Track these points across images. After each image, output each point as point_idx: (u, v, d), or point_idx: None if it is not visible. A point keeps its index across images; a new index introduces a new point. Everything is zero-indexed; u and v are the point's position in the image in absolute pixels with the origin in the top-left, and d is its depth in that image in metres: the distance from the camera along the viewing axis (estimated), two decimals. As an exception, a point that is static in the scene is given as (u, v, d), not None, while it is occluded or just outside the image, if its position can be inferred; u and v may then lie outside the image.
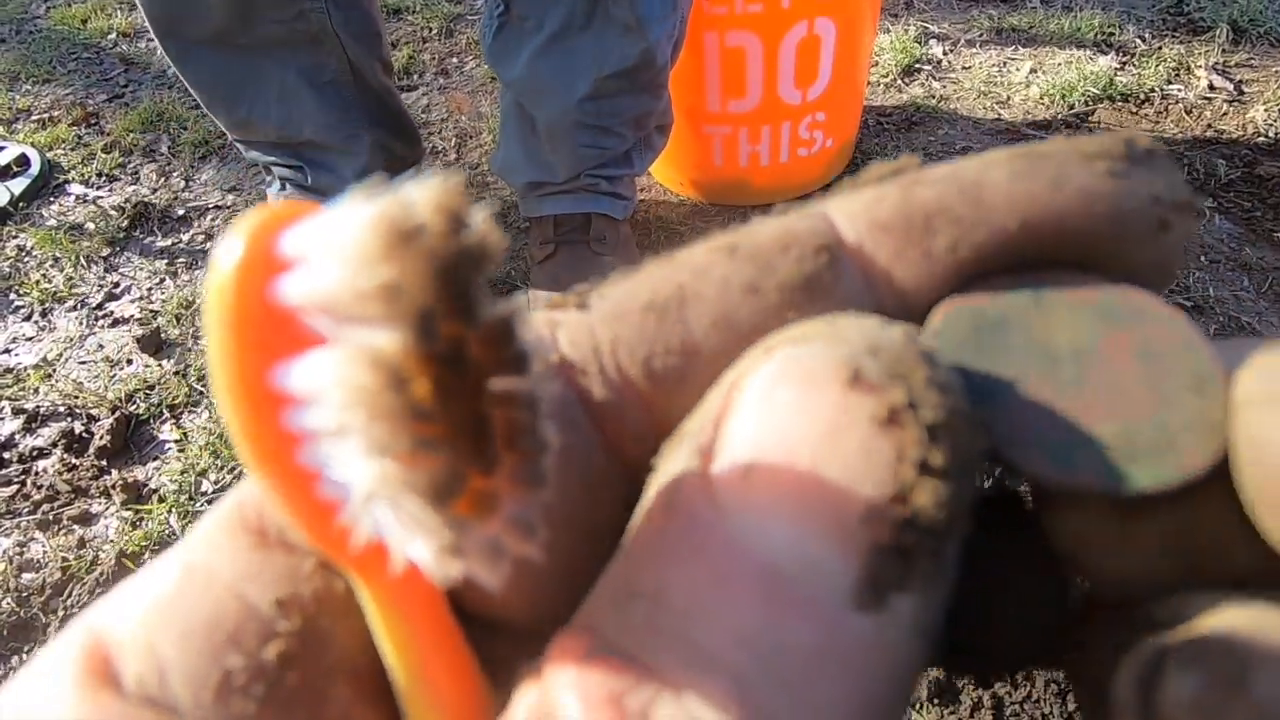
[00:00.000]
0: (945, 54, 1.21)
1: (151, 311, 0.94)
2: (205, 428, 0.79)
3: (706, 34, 0.79)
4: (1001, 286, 0.09)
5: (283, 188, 0.87)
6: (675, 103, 0.88)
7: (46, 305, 0.98)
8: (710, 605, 0.08)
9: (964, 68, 1.18)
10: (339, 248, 0.07)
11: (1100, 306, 0.09)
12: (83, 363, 0.89)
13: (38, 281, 1.01)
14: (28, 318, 0.97)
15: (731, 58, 0.80)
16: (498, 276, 0.92)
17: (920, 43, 1.23)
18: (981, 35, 1.25)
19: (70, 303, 0.98)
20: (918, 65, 1.19)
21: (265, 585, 0.09)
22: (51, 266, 1.04)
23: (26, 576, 0.68)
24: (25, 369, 0.89)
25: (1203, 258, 0.84)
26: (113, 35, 1.60)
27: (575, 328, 0.10)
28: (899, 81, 1.16)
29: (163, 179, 1.19)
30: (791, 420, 0.08)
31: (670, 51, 0.71)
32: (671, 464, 0.09)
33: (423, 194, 0.07)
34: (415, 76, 1.33)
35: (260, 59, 0.76)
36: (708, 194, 0.96)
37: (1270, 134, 0.98)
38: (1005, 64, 1.18)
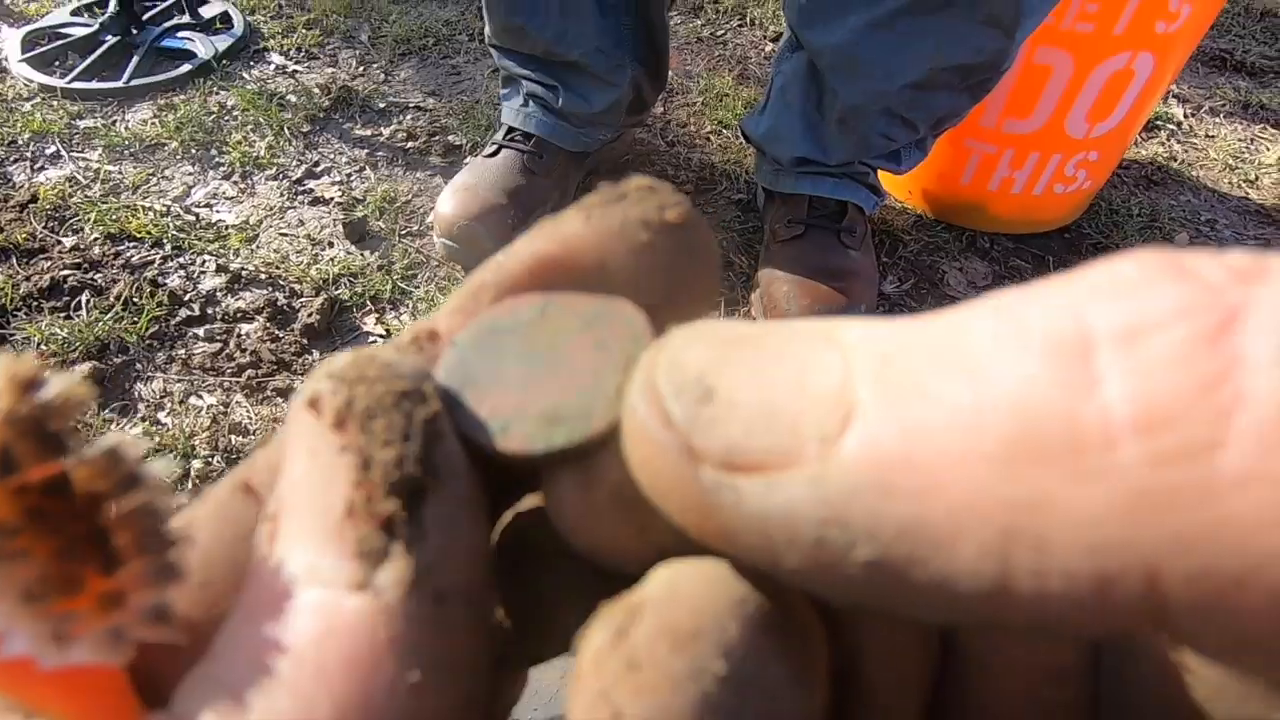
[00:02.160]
0: (1186, 116, 1.14)
1: (354, 199, 0.93)
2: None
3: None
4: (527, 302, 0.11)
5: (526, 103, 0.84)
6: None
7: (247, 169, 0.96)
8: (238, 644, 0.09)
9: (1208, 135, 1.11)
10: None
11: (585, 314, 0.11)
12: (284, 234, 0.88)
13: (238, 143, 1.00)
14: (228, 176, 0.96)
15: (1032, 75, 0.75)
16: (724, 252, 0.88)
17: (1162, 100, 1.16)
18: (1225, 105, 1.17)
19: (271, 171, 0.96)
20: (1158, 122, 1.12)
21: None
22: (253, 131, 1.02)
23: (235, 438, 0.67)
24: (227, 227, 0.88)
25: None
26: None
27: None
28: (1140, 135, 1.09)
29: (362, 68, 1.17)
30: (289, 456, 0.10)
31: (1014, 53, 0.66)
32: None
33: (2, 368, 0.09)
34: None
35: None
36: (936, 209, 0.92)
37: None
38: (1253, 140, 1.10)
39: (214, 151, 0.99)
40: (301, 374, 0.73)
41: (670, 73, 1.19)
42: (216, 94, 1.08)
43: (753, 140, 0.83)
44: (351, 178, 0.97)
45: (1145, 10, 0.69)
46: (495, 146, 0.85)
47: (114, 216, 0.87)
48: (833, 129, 0.72)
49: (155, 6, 1.23)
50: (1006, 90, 0.77)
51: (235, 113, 1.05)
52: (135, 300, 0.77)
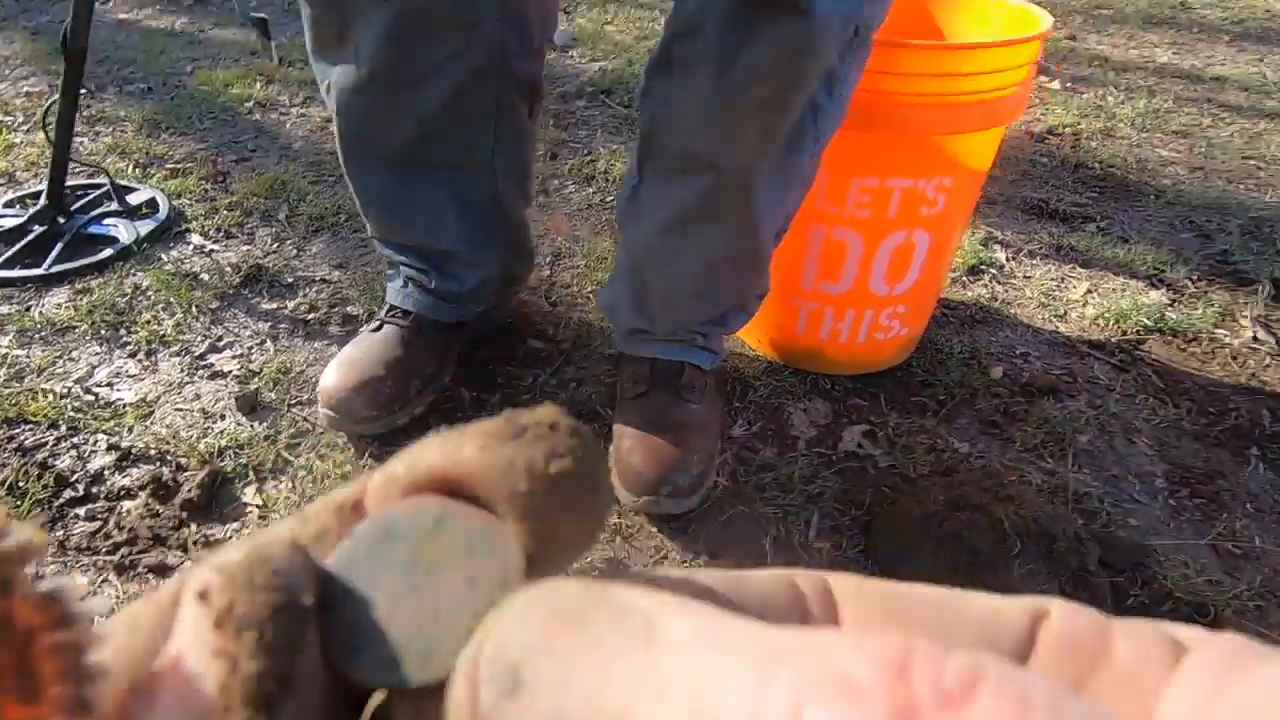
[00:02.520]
0: (1008, 260, 1.31)
1: (251, 371, 1.00)
2: (288, 498, 0.82)
3: (814, 226, 0.88)
4: (428, 507, 0.11)
5: (405, 284, 0.95)
6: (774, 274, 0.96)
7: (153, 346, 1.04)
8: None
9: (1025, 276, 1.28)
10: None
11: (470, 538, 0.11)
12: (179, 409, 0.94)
13: (148, 322, 1.07)
14: (133, 355, 1.03)
15: (833, 249, 0.89)
16: (579, 400, 0.97)
17: (985, 246, 1.34)
18: (1042, 249, 1.35)
19: (175, 348, 1.04)
20: (983, 266, 1.28)
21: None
22: (163, 310, 1.11)
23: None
24: (124, 405, 0.94)
25: (1248, 504, 0.88)
26: (250, 103, 1.77)
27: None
28: (965, 279, 1.25)
29: (276, 244, 1.28)
30: (178, 633, 0.10)
31: (776, 244, 0.79)
32: None
33: None
34: (520, 192, 1.45)
35: (422, 179, 0.86)
36: (783, 356, 1.03)
37: (1311, 394, 1.05)
38: (1064, 280, 1.27)
39: (122, 331, 1.06)
40: (177, 548, 0.77)
41: (560, 237, 1.34)
42: (132, 276, 1.17)
43: (603, 309, 0.94)
44: (252, 351, 1.05)
45: (908, 200, 0.84)
46: (378, 322, 0.94)
47: (13, 401, 0.92)
48: (654, 307, 0.83)
49: (86, 196, 1.34)
50: (817, 259, 0.91)
51: (149, 293, 1.14)
52: (20, 484, 0.81)
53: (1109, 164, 1.68)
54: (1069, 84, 2.14)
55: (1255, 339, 1.15)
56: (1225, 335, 1.15)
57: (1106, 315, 1.17)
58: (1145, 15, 2.83)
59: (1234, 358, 1.11)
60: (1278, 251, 1.38)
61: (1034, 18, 0.84)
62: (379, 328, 0.93)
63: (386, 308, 0.96)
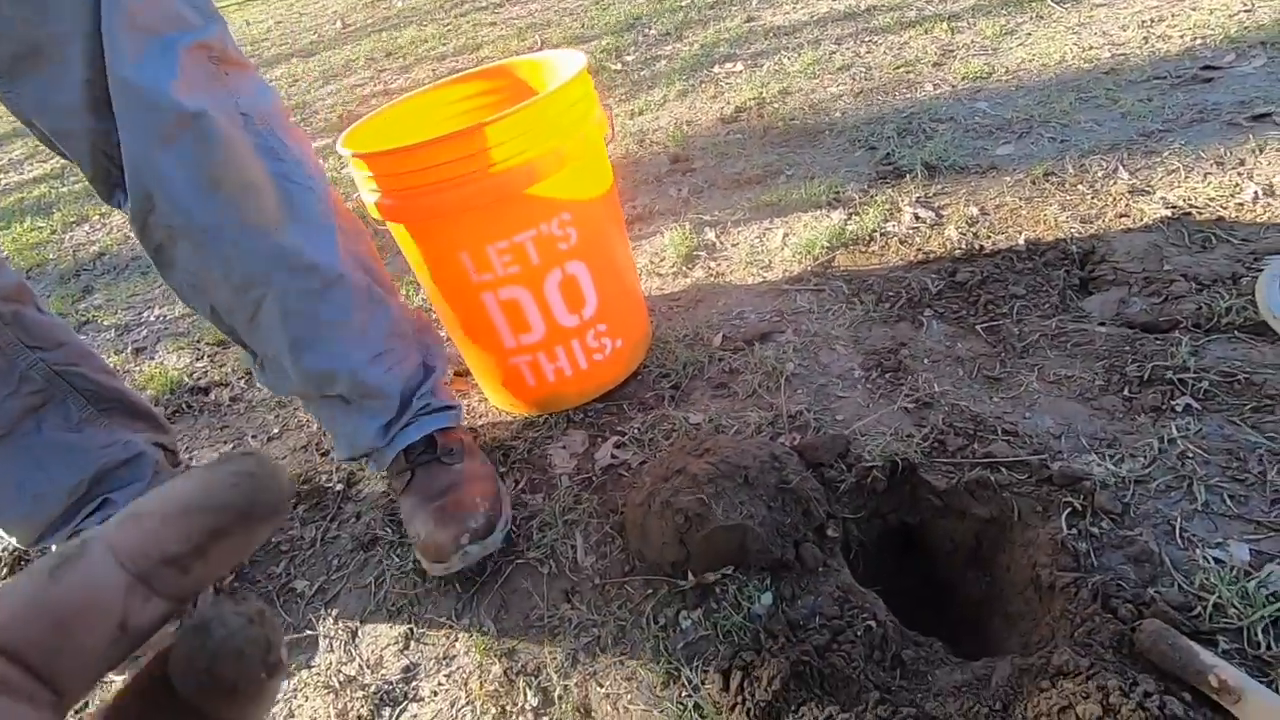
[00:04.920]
0: (717, 237, 1.47)
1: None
2: (88, 758, 0.82)
3: (484, 294, 0.97)
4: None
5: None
6: (478, 349, 1.05)
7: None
8: None
9: (733, 245, 1.43)
10: None
11: None
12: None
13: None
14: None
15: (510, 307, 0.99)
16: (359, 532, 1.02)
17: (696, 233, 1.49)
18: (745, 215, 1.52)
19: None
20: (696, 252, 1.43)
21: None
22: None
23: None
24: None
25: (925, 359, 1.03)
26: None
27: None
28: (683, 269, 1.39)
29: None
30: None
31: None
32: None
33: None
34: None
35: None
36: (535, 407, 1.12)
37: (963, 245, 1.23)
38: (764, 234, 1.43)
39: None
40: None
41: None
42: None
43: (346, 455, 1.00)
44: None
45: (543, 245, 0.95)
46: None
47: None
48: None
49: None
50: (504, 321, 1.00)
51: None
52: None
53: (790, 118, 1.91)
54: (751, 62, 2.41)
55: (916, 218, 1.33)
56: (893, 226, 1.33)
57: (800, 250, 1.33)
58: (805, -22, 3.22)
59: (902, 242, 1.29)
60: (927, 138, 1.61)
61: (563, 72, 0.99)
62: None
63: None
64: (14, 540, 0.91)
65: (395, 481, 0.96)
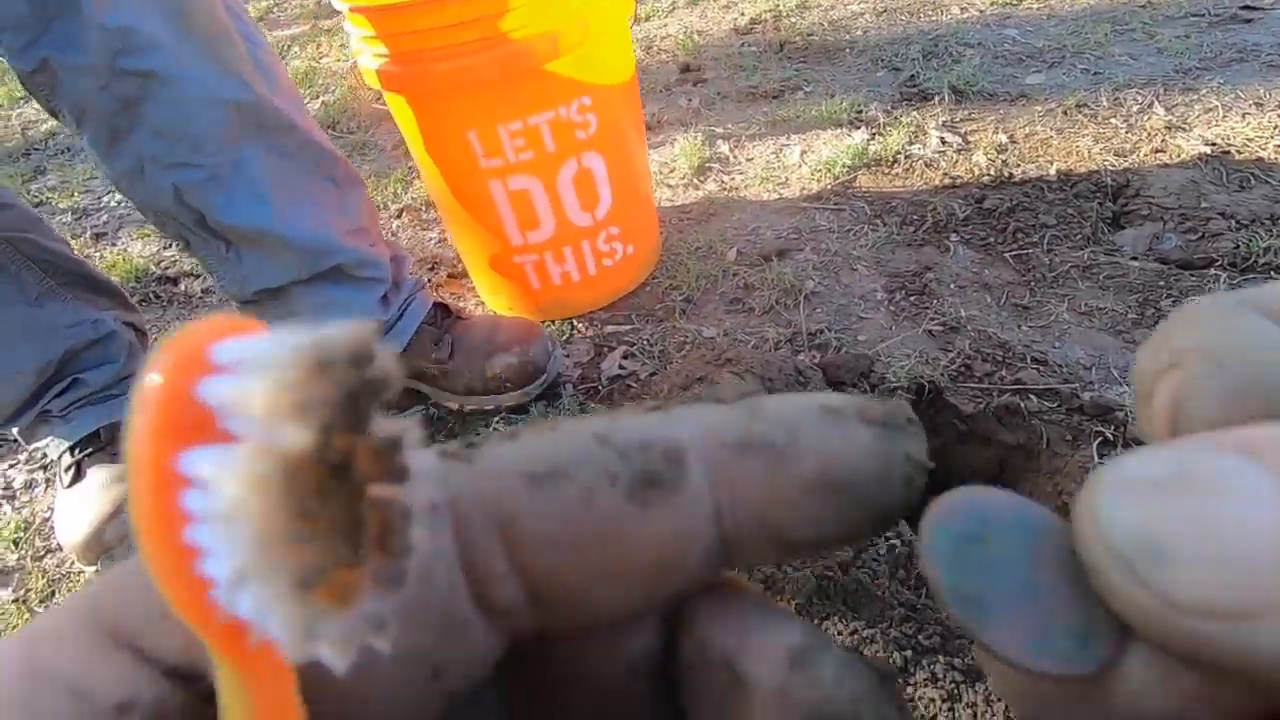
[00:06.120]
0: (731, 150, 1.39)
1: (-8, 540, 0.92)
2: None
3: (492, 182, 0.89)
4: (952, 507, 0.12)
5: (66, 412, 0.88)
6: (480, 245, 0.98)
7: (-123, 557, 0.94)
8: None
9: (747, 159, 1.35)
10: (264, 364, 0.09)
11: (1023, 521, 0.12)
12: (-81, 610, 0.86)
13: None
14: None
15: (519, 198, 0.91)
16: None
17: (709, 144, 1.40)
18: (760, 129, 1.44)
19: (-96, 550, 0.94)
20: (708, 165, 1.35)
21: (108, 688, 0.10)
22: (-118, 516, 1.00)
23: None
24: None
25: (952, 284, 0.98)
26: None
27: (461, 476, 0.11)
28: (694, 181, 1.32)
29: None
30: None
31: None
32: None
33: (341, 333, 0.09)
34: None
35: None
36: (535, 313, 1.05)
37: (991, 172, 1.17)
38: (780, 150, 1.36)
39: None
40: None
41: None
42: None
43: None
44: (-6, 518, 0.96)
45: (559, 130, 0.86)
46: (71, 471, 0.86)
47: None
48: None
49: None
50: (511, 212, 0.93)
51: None
52: None
53: (809, 33, 1.80)
54: (765, -27, 2.26)
55: (942, 142, 1.27)
56: (918, 149, 1.27)
57: (819, 169, 1.26)
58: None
59: (928, 165, 1.23)
60: (954, 62, 1.52)
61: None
62: (77, 475, 0.86)
63: (64, 452, 0.87)
64: None
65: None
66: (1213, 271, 0.92)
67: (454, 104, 0.83)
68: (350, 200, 0.82)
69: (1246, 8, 1.52)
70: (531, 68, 0.80)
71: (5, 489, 0.99)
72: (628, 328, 1.03)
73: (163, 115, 0.67)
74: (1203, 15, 1.51)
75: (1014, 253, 1.02)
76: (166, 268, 1.39)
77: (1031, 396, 0.80)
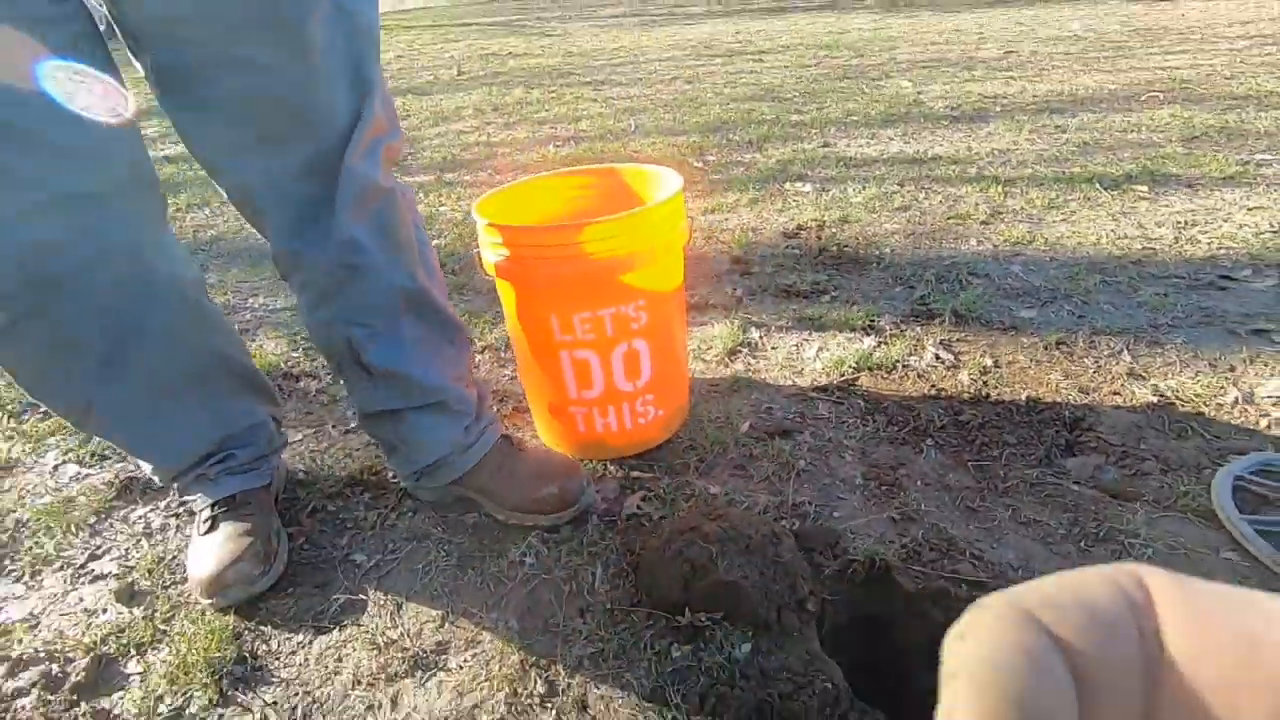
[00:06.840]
0: (760, 338, 1.66)
1: (128, 567, 1.16)
2: (165, 660, 0.98)
3: (561, 352, 1.17)
4: None
5: (215, 479, 1.14)
6: (544, 396, 1.25)
7: (37, 568, 1.19)
8: None
9: (773, 348, 1.62)
10: None
11: None
12: (64, 614, 1.09)
13: (29, 549, 1.23)
14: (19, 579, 1.17)
15: (580, 365, 1.18)
16: (414, 529, 1.19)
17: (744, 330, 1.68)
18: (788, 323, 1.72)
19: (57, 564, 1.19)
20: (739, 348, 1.62)
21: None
22: (44, 534, 1.26)
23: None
24: (13, 623, 1.08)
25: (919, 481, 1.18)
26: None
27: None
28: (725, 359, 1.58)
29: (148, 456, 1.46)
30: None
31: None
32: None
33: None
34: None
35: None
36: (578, 451, 1.30)
37: (972, 390, 1.40)
38: (801, 344, 1.62)
39: (7, 562, 1.21)
40: (68, 726, 0.91)
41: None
42: (14, 512, 1.32)
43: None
44: (129, 551, 1.21)
45: (618, 322, 1.15)
46: (208, 523, 1.11)
47: (-93, 643, 1.05)
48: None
49: (-37, 452, 1.49)
50: (572, 376, 1.20)
51: (29, 524, 1.29)
52: (-80, 709, 0.94)
53: (845, 244, 2.13)
54: (819, 185, 2.66)
55: (936, 358, 1.51)
56: (915, 360, 1.51)
57: (829, 364, 1.52)
58: (885, 115, 3.51)
59: (920, 376, 1.46)
60: (961, 288, 1.80)
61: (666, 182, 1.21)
62: (212, 526, 1.12)
63: (205, 506, 1.13)
64: (150, 473, 1.11)
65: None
66: (1137, 506, 1.09)
67: (543, 295, 1.13)
68: (461, 356, 1.11)
69: (1224, 277, 1.76)
70: (607, 278, 1.10)
71: (145, 529, 1.25)
72: (649, 475, 1.25)
73: (356, 293, 0.98)
74: (1184, 278, 1.76)
75: (976, 462, 1.22)
76: (292, 366, 1.71)
77: (963, 585, 0.97)
